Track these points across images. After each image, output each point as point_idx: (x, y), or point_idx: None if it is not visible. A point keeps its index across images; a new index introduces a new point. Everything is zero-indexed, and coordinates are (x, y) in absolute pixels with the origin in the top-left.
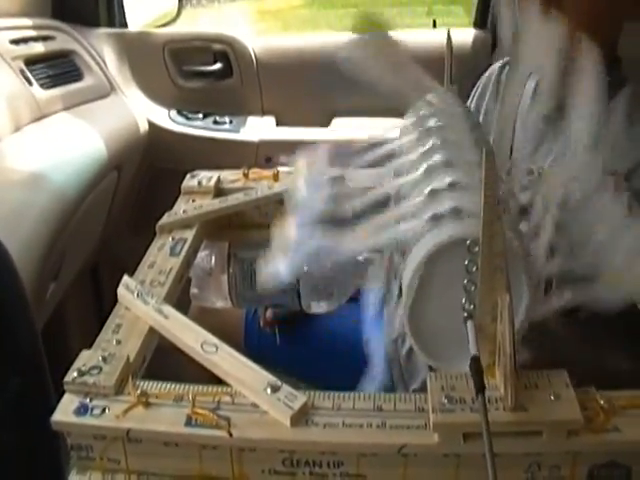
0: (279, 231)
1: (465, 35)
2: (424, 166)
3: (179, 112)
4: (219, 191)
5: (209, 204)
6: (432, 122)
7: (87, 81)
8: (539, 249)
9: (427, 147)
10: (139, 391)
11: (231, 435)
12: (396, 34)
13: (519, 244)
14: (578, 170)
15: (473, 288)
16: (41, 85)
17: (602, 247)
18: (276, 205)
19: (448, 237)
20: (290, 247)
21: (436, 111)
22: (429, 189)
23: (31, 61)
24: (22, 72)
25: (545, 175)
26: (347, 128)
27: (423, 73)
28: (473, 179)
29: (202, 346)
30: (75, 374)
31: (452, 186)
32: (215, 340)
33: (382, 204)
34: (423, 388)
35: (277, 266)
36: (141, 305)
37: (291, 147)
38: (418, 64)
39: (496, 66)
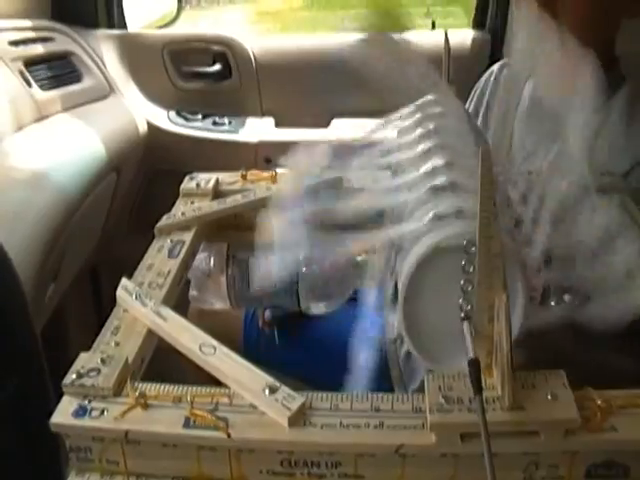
0: (268, 230)
1: (464, 36)
2: (423, 167)
3: (178, 113)
4: (217, 193)
5: (207, 206)
6: (431, 123)
7: (86, 82)
8: (534, 253)
9: (426, 148)
10: (137, 393)
11: (229, 436)
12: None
13: (514, 245)
14: (575, 171)
15: (470, 288)
16: (40, 86)
17: (597, 261)
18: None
19: (444, 238)
20: (282, 246)
21: (435, 110)
22: (428, 189)
23: (30, 62)
24: (21, 73)
25: (543, 175)
26: (346, 129)
27: (432, 69)
28: (471, 180)
29: (200, 348)
30: (74, 376)
31: (452, 186)
32: (213, 342)
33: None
34: (422, 389)
35: (270, 265)
36: (140, 307)
37: (290, 148)
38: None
39: (495, 67)
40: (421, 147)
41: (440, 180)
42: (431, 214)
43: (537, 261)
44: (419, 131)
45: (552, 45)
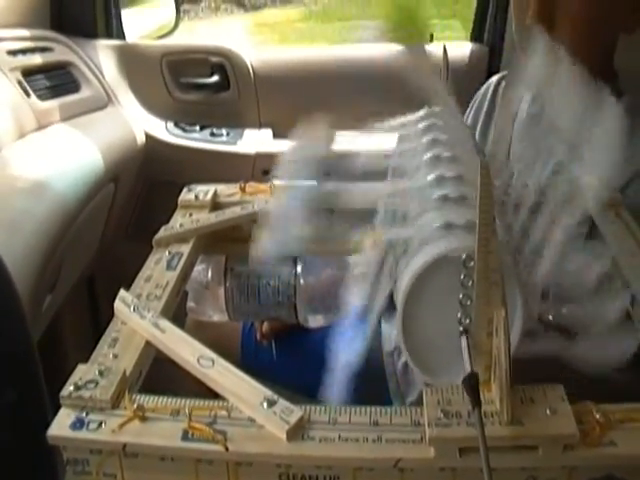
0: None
1: (462, 49)
2: (431, 175)
3: (176, 124)
4: (216, 205)
5: (206, 218)
6: (430, 136)
7: (84, 92)
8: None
9: (433, 155)
10: (135, 405)
11: (227, 449)
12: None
13: (513, 261)
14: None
15: (469, 303)
16: (39, 96)
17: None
18: None
19: (442, 251)
20: (281, 225)
21: (435, 123)
22: (437, 197)
23: (29, 72)
24: (20, 83)
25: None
26: (344, 141)
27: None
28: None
29: (198, 360)
30: (71, 388)
31: (461, 199)
32: (211, 354)
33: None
34: (420, 401)
35: (268, 243)
36: (137, 319)
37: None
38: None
39: (493, 80)
40: (429, 155)
41: (451, 191)
42: (441, 221)
43: (536, 292)
44: (426, 139)
45: (555, 64)
